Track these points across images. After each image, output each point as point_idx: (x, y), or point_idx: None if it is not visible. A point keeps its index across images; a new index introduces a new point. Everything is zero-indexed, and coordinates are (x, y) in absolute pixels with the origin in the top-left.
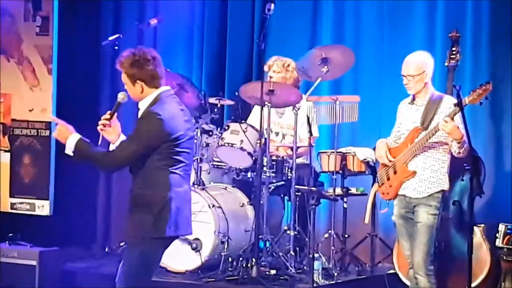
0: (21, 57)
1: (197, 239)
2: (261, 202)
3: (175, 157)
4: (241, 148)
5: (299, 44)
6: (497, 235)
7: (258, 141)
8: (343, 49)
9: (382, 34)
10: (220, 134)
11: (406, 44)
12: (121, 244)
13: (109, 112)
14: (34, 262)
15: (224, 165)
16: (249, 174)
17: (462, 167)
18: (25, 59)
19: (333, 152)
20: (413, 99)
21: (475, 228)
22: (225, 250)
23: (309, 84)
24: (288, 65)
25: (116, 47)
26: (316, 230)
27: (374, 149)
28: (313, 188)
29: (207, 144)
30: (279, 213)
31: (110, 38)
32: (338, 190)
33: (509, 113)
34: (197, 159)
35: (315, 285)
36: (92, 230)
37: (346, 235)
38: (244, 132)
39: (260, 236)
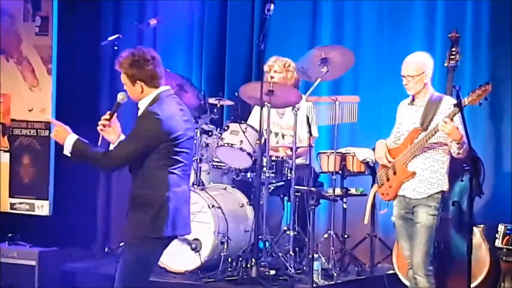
0: (20, 57)
1: (196, 239)
2: (261, 202)
3: (173, 157)
4: (241, 149)
5: (299, 44)
6: (496, 235)
7: (258, 141)
8: (343, 50)
9: (381, 35)
10: (219, 135)
11: (405, 44)
12: (121, 244)
13: (108, 112)
14: (33, 262)
15: (224, 166)
16: (248, 175)
17: (461, 168)
18: (24, 59)
19: (333, 152)
20: (413, 99)
21: (474, 228)
22: (225, 250)
23: (309, 85)
24: (289, 65)
25: (115, 47)
26: (315, 231)
27: (373, 149)
28: (313, 189)
29: (207, 145)
30: (278, 214)
31: (110, 38)
32: (338, 191)
33: (508, 114)
34: (196, 159)
35: (314, 285)
36: (91, 230)
37: (345, 236)
38: (243, 132)
39: (259, 237)
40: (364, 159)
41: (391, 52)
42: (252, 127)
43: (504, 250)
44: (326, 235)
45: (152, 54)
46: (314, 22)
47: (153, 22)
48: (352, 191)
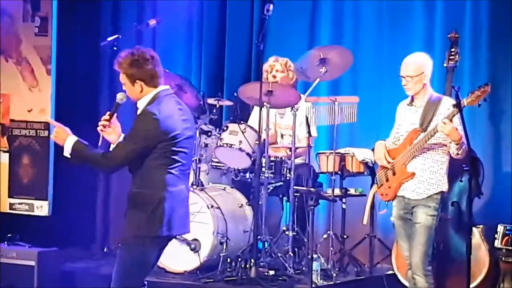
0: (20, 57)
1: (195, 239)
2: (260, 202)
3: (171, 156)
4: (240, 149)
5: (298, 44)
6: (496, 236)
7: (257, 142)
8: (342, 50)
9: (381, 35)
10: (219, 135)
11: (405, 44)
12: (120, 244)
13: (108, 112)
14: (33, 263)
15: (223, 166)
16: (247, 175)
17: (461, 168)
18: (24, 60)
19: (332, 152)
20: (412, 100)
21: (473, 229)
22: (224, 250)
23: (308, 85)
24: (290, 65)
25: (115, 48)
26: (314, 231)
27: (372, 150)
28: (312, 189)
29: (206, 145)
30: (277, 214)
31: (109, 39)
32: (337, 191)
33: (508, 114)
34: (196, 159)
35: (313, 285)
36: (91, 231)
37: (344, 236)
38: (243, 132)
39: (258, 237)
40: (363, 160)
41: (390, 53)
42: (251, 127)
43: (504, 250)
44: (325, 236)
45: (151, 54)
46: (313, 22)
47: (152, 22)
48: (351, 191)
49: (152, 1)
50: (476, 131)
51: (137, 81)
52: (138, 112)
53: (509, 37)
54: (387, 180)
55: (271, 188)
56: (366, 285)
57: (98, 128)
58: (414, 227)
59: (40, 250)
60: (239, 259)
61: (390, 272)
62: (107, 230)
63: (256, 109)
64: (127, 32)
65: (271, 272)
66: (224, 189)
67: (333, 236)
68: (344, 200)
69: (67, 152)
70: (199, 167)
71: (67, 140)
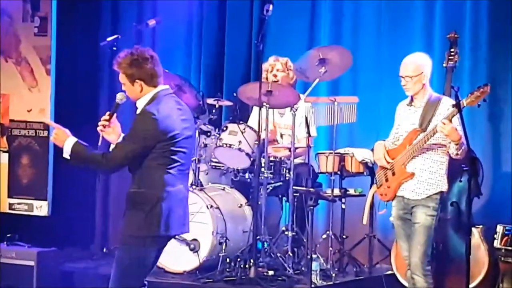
0: (19, 57)
1: (195, 239)
2: (259, 202)
3: (170, 156)
4: (239, 149)
5: (297, 45)
6: (495, 236)
7: (256, 142)
8: (341, 50)
9: (380, 35)
10: (218, 135)
11: (404, 45)
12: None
13: (108, 113)
14: (32, 263)
15: (222, 166)
16: (247, 175)
17: (460, 168)
18: (23, 60)
19: (331, 153)
20: (411, 100)
21: (473, 229)
22: (223, 251)
23: (307, 85)
24: (290, 65)
25: (114, 48)
26: (314, 231)
27: (372, 150)
28: (311, 189)
29: (205, 145)
30: (277, 214)
31: (109, 39)
32: (336, 191)
33: (507, 114)
34: (195, 159)
35: (313, 286)
36: (90, 231)
37: (344, 236)
38: (242, 133)
39: (258, 237)
40: (363, 160)
41: (390, 53)
42: (250, 127)
43: (503, 250)
44: (324, 236)
45: (151, 53)
46: (313, 22)
47: (152, 22)
48: (351, 191)
49: (152, 1)
50: (475, 131)
51: (137, 80)
52: (138, 111)
53: (509, 37)
54: (386, 180)
55: (271, 188)
56: (365, 285)
57: (98, 128)
58: (413, 227)
59: (39, 250)
60: (239, 259)
61: (390, 272)
62: (106, 230)
63: (255, 109)
64: (126, 32)
65: (271, 272)
66: (223, 189)
67: (333, 236)
68: (343, 200)
69: (66, 154)
70: (199, 167)
71: (67, 141)
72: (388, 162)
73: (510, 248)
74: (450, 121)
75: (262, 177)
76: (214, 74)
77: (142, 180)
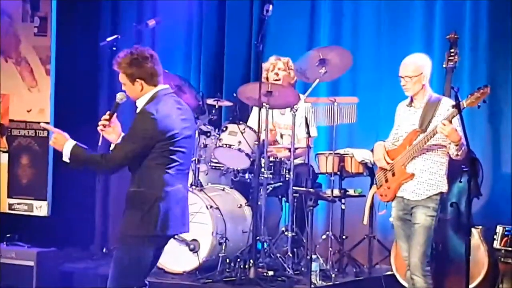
0: (19, 57)
1: (194, 240)
2: (259, 203)
3: (168, 156)
4: (239, 149)
5: (297, 45)
6: (495, 236)
7: (256, 142)
8: (341, 51)
9: (380, 35)
10: (218, 135)
11: (404, 45)
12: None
13: (108, 112)
14: (32, 263)
15: (222, 166)
16: (247, 175)
17: (460, 169)
18: (23, 60)
19: (331, 153)
20: (411, 101)
21: (472, 229)
22: (223, 251)
23: (307, 85)
24: (291, 65)
25: (114, 48)
26: (314, 232)
27: (372, 150)
28: (311, 190)
29: (205, 145)
30: (277, 214)
31: (108, 39)
32: (336, 192)
33: (507, 115)
34: (195, 160)
35: (312, 286)
36: (90, 231)
37: (344, 237)
38: (242, 133)
39: (257, 237)
40: (363, 160)
41: (390, 53)
42: (250, 128)
43: (503, 251)
44: (324, 236)
45: (150, 52)
46: (312, 22)
47: (151, 23)
48: (351, 192)
49: (152, 2)
50: (475, 132)
51: (137, 80)
52: (137, 111)
53: (509, 37)
54: (386, 181)
55: (270, 188)
56: (365, 285)
57: (98, 128)
58: (413, 227)
59: (39, 250)
60: (238, 260)
61: (389, 272)
62: (106, 231)
63: (255, 109)
64: (126, 33)
65: (270, 273)
66: (223, 190)
67: (332, 237)
68: (343, 200)
69: (66, 157)
70: (198, 168)
71: (66, 145)
72: (388, 163)
73: (509, 248)
74: (450, 122)
75: (262, 178)
76: (214, 74)
77: (142, 180)
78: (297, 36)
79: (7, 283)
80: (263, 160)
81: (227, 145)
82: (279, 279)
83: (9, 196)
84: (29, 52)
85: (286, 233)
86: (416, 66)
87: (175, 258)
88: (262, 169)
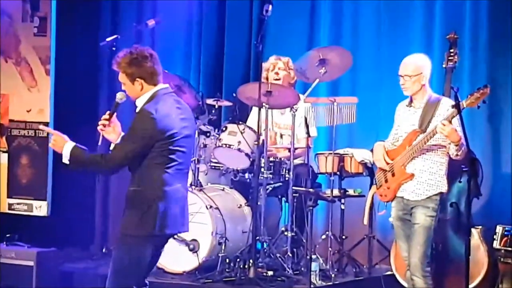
0: (19, 57)
1: (194, 240)
2: (259, 203)
3: (167, 155)
4: (239, 149)
5: (297, 45)
6: (494, 237)
7: (256, 142)
8: (341, 51)
9: (380, 35)
10: (217, 135)
11: (404, 45)
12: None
13: (108, 112)
14: (31, 263)
15: (222, 166)
16: (246, 175)
17: (460, 169)
18: (23, 60)
19: (331, 153)
20: (411, 101)
21: (472, 229)
22: (223, 251)
23: (307, 85)
24: (291, 65)
25: (114, 48)
26: (313, 232)
27: (371, 150)
28: (311, 190)
29: (205, 145)
30: (276, 214)
31: (108, 39)
32: (336, 192)
33: (507, 115)
34: (194, 160)
35: (312, 286)
36: (90, 231)
37: (343, 237)
38: (241, 133)
39: (257, 237)
40: (362, 160)
41: (389, 53)
42: (250, 128)
43: (502, 251)
44: (324, 236)
45: (150, 51)
46: (312, 23)
47: (151, 23)
48: (350, 192)
49: (152, 2)
50: (475, 132)
51: (137, 79)
52: (137, 110)
53: (509, 37)
54: (386, 181)
55: (270, 188)
56: (364, 285)
57: (98, 128)
58: (413, 228)
59: (39, 250)
60: (238, 260)
61: (389, 272)
62: (106, 231)
63: (255, 109)
64: (126, 33)
65: (270, 273)
66: (223, 190)
67: (332, 237)
68: (343, 200)
69: (66, 159)
70: (198, 168)
71: (65, 146)
72: (388, 163)
73: (509, 248)
74: (450, 122)
75: (262, 178)
76: (214, 74)
77: (141, 179)
78: (297, 36)
79: (7, 283)
80: (262, 160)
81: (227, 145)
82: (278, 279)
83: (9, 196)
84: (29, 52)
85: (285, 233)
86: (416, 66)
87: (175, 258)
88: (262, 169)
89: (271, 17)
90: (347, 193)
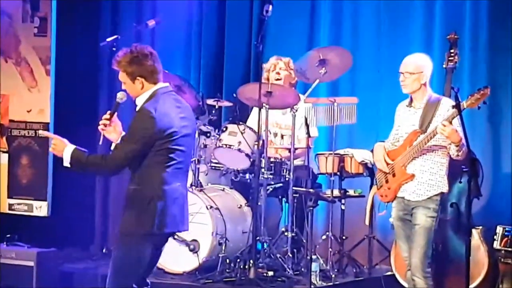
0: (19, 58)
1: (194, 240)
2: (259, 203)
3: (166, 154)
4: (239, 150)
5: (297, 45)
6: (494, 237)
7: (256, 143)
8: (341, 51)
9: (380, 35)
10: (218, 136)
11: (404, 45)
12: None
13: (109, 112)
14: (31, 263)
15: (222, 167)
16: (247, 176)
17: (460, 169)
18: (23, 60)
19: (331, 153)
20: (411, 101)
21: (473, 230)
22: (223, 251)
23: (307, 86)
24: (292, 65)
25: (114, 48)
26: (313, 232)
27: (371, 151)
28: (311, 190)
29: (205, 146)
30: (276, 215)
31: (108, 39)
32: (336, 192)
33: (507, 116)
34: (195, 160)
35: (312, 286)
36: (90, 231)
37: (343, 237)
38: (242, 133)
39: (257, 238)
40: (363, 161)
41: (390, 53)
42: (250, 128)
43: (503, 251)
44: (324, 237)
45: (150, 50)
46: (312, 23)
47: (151, 23)
48: (350, 192)
49: (151, 2)
50: (475, 133)
51: (138, 78)
52: (136, 109)
53: (509, 37)
54: (386, 181)
55: (270, 189)
56: (365, 286)
57: (99, 127)
58: (413, 228)
59: (39, 250)
60: (238, 260)
61: (389, 273)
62: (106, 231)
63: (255, 110)
64: (126, 33)
65: (270, 273)
66: (223, 190)
67: (332, 237)
68: (343, 201)
69: (66, 162)
70: (198, 168)
71: (65, 150)
72: (388, 164)
73: (509, 249)
74: (451, 122)
75: (262, 178)
76: (214, 74)
77: (141, 178)
78: (297, 36)
79: (7, 283)
80: (263, 160)
81: (227, 146)
82: (279, 279)
83: (9, 197)
84: (29, 52)
85: (286, 233)
86: (417, 64)
87: (175, 259)
88: (262, 170)
89: (271, 17)
90: (347, 193)
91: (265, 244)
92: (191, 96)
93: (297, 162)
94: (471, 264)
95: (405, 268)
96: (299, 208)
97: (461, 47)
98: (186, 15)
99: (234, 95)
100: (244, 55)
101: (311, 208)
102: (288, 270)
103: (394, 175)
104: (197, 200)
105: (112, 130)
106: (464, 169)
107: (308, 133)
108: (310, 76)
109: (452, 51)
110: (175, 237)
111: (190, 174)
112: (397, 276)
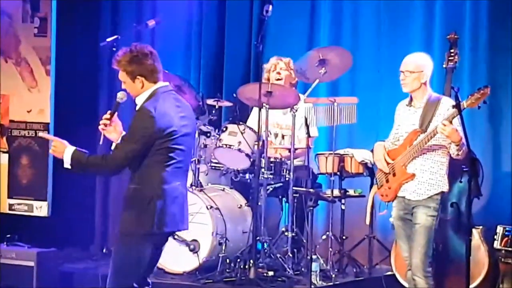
0: (19, 58)
1: (194, 240)
2: (259, 203)
3: (166, 153)
4: (239, 150)
5: (297, 45)
6: (495, 237)
7: (256, 143)
8: (341, 51)
9: (380, 35)
10: (218, 136)
11: (404, 45)
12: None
13: (109, 111)
14: (32, 263)
15: (222, 167)
16: (247, 176)
17: (460, 169)
18: (23, 60)
19: (331, 153)
20: (411, 100)
21: (473, 230)
22: (223, 251)
23: (307, 86)
24: (292, 65)
25: (114, 49)
26: (314, 232)
27: (371, 151)
28: (311, 190)
29: (205, 146)
30: (277, 215)
31: (108, 40)
32: (336, 192)
33: (507, 115)
34: (195, 160)
35: (312, 286)
36: (90, 231)
37: (344, 237)
38: (242, 133)
39: (257, 238)
40: (363, 160)
41: (390, 54)
42: (250, 128)
43: (503, 251)
44: (324, 236)
45: (150, 49)
46: (312, 23)
47: (151, 23)
48: (351, 192)
49: (151, 2)
50: (475, 132)
51: (138, 77)
52: (136, 108)
53: (509, 37)
54: (387, 181)
55: (271, 189)
56: (365, 286)
57: (100, 127)
58: (414, 228)
59: (39, 250)
60: (238, 260)
61: (389, 273)
62: (106, 231)
63: (255, 110)
64: (126, 33)
65: (270, 273)
66: (223, 190)
67: (332, 237)
68: (343, 201)
69: (67, 164)
70: (198, 168)
71: (65, 152)
72: (388, 163)
73: (510, 249)
74: (451, 122)
75: (262, 178)
76: (214, 74)
77: (140, 177)
78: (297, 36)
79: (7, 283)
80: (263, 160)
81: (227, 146)
82: (279, 279)
83: (9, 197)
84: (29, 52)
85: (286, 233)
86: (418, 63)
87: (175, 259)
88: (262, 169)
89: (271, 17)
90: (347, 193)
91: (265, 244)
92: (191, 96)
93: (297, 162)
94: (472, 264)
95: (405, 268)
96: (299, 208)
97: (461, 47)
98: (186, 15)
99: (234, 95)
100: (244, 55)
101: (311, 208)
102: (288, 270)
103: (394, 175)
104: (197, 200)
105: (112, 130)
106: (464, 169)
107: (308, 133)
108: (310, 76)
109: (452, 51)
110: (175, 237)
111: (190, 174)
112: (398, 276)
